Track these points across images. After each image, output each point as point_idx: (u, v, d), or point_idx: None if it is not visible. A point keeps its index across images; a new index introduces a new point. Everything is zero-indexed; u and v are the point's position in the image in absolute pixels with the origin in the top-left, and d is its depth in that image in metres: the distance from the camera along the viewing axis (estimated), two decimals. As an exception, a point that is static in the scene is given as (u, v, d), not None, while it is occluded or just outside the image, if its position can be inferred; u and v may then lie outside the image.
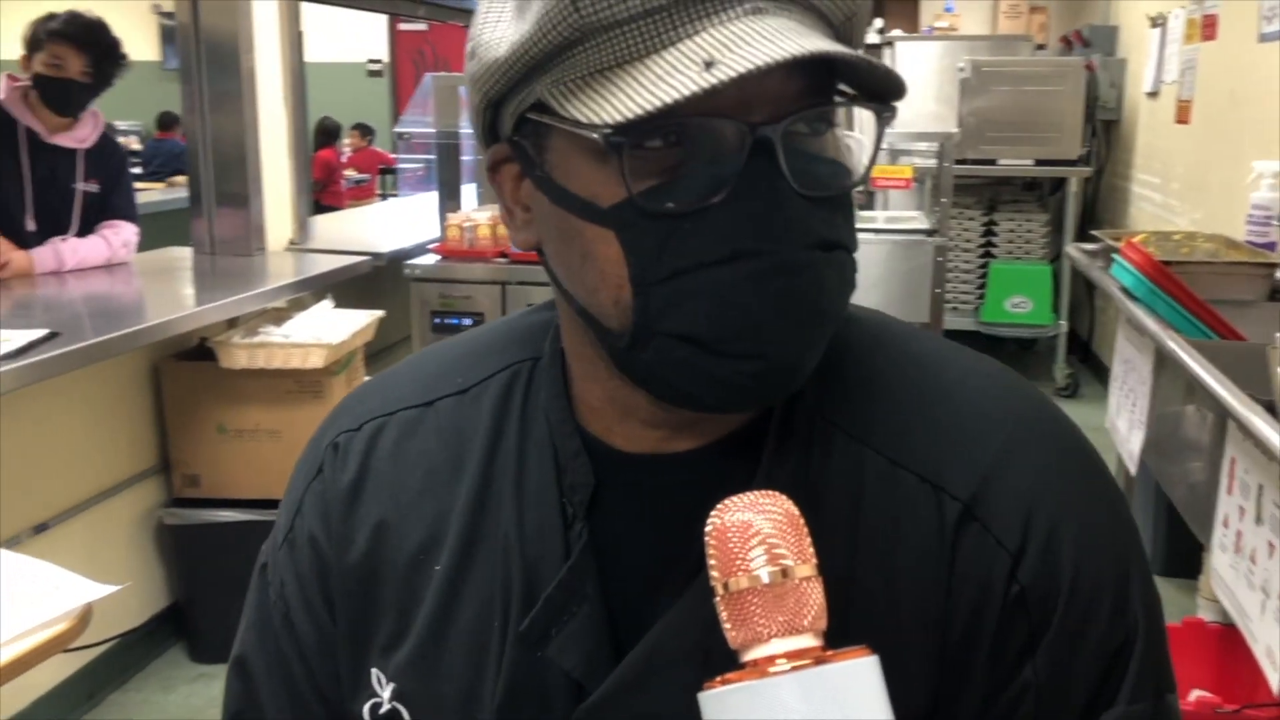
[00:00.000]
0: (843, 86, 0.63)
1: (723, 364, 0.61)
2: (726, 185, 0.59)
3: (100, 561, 2.92)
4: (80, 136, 3.19)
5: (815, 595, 0.55)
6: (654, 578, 0.68)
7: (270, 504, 0.84)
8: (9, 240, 3.04)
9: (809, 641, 0.54)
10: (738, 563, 0.54)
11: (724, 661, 0.63)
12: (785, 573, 0.54)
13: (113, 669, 2.98)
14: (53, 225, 3.18)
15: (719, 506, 0.56)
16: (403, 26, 11.29)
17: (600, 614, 0.68)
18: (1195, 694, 2.14)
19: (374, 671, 0.74)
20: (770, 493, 0.56)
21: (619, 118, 0.57)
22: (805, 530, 0.56)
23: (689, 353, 0.61)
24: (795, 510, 0.56)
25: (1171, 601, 3.39)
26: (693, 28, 0.58)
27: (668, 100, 0.56)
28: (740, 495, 0.56)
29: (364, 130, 9.82)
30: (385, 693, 0.73)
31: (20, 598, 1.39)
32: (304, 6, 4.00)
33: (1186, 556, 3.11)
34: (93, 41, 3.10)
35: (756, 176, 0.59)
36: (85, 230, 3.24)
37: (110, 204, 3.28)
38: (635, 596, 0.68)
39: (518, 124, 0.65)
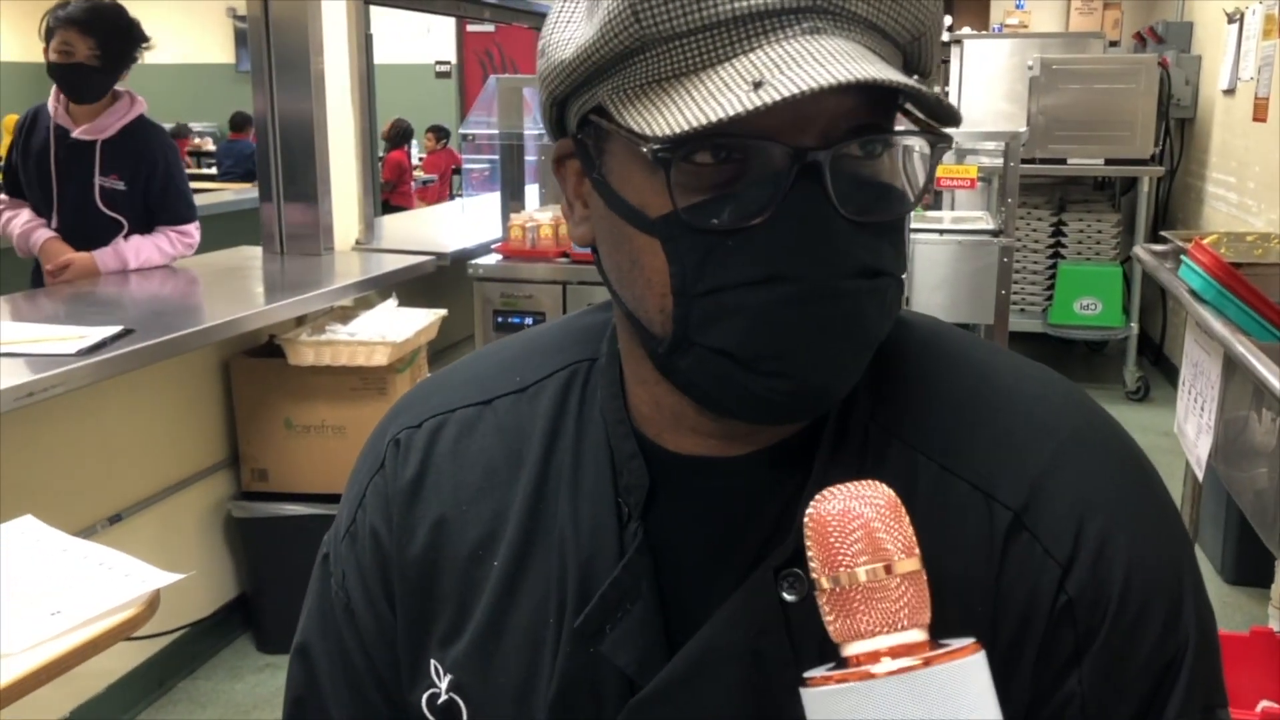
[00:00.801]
0: (908, 106, 0.63)
1: (756, 381, 0.61)
2: (771, 207, 0.59)
3: (171, 552, 2.99)
4: (99, 128, 3.06)
5: (919, 588, 0.54)
6: (707, 578, 0.68)
7: (335, 498, 0.85)
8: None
9: (914, 636, 0.53)
10: (839, 556, 0.53)
11: (775, 662, 0.64)
12: (888, 567, 0.53)
13: (182, 658, 3.05)
14: (75, 222, 3.09)
15: (819, 495, 0.56)
16: (471, 28, 11.38)
17: (654, 612, 0.68)
18: (1263, 704, 2.09)
19: (432, 663, 0.75)
20: (871, 481, 0.56)
21: (667, 131, 0.57)
22: (907, 519, 0.55)
23: (724, 366, 0.61)
24: (896, 497, 0.55)
25: (1242, 610, 3.32)
26: (748, 44, 0.58)
27: (713, 119, 0.56)
28: (841, 485, 0.56)
29: (439, 133, 9.93)
30: (443, 684, 0.74)
31: (90, 584, 1.43)
32: (374, 9, 4.05)
33: (1257, 564, 3.04)
34: (99, 24, 2.99)
35: (802, 200, 0.58)
36: (139, 226, 3.15)
37: (165, 206, 3.19)
38: (688, 596, 0.69)
39: (581, 123, 0.66)
